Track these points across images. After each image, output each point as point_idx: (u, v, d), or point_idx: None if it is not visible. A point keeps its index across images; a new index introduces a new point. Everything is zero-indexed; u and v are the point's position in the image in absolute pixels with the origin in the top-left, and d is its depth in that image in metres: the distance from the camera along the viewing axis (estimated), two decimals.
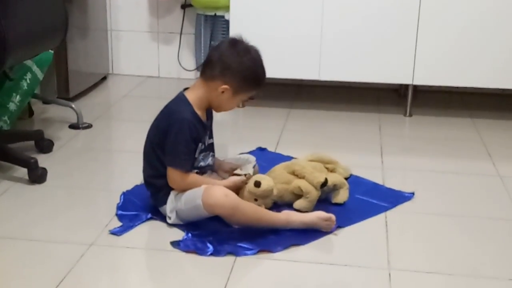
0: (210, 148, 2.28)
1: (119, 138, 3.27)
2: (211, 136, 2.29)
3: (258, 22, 3.41)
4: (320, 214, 2.17)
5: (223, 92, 2.17)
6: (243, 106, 3.57)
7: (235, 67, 2.15)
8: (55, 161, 2.74)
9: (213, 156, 2.31)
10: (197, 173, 2.21)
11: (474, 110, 3.61)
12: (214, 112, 2.30)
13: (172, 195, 2.18)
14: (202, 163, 2.24)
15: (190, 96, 2.20)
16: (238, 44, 2.19)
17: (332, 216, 2.17)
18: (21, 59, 2.71)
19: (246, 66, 2.16)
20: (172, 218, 2.18)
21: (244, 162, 2.38)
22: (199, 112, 2.19)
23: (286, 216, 2.18)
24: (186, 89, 2.25)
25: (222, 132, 2.88)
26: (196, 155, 2.20)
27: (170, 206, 2.18)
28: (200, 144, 2.20)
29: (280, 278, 1.93)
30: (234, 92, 2.18)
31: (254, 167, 2.36)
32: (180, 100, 2.21)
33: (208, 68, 2.19)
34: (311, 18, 3.38)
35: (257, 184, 2.20)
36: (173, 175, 2.15)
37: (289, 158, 2.63)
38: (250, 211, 2.12)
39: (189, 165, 2.16)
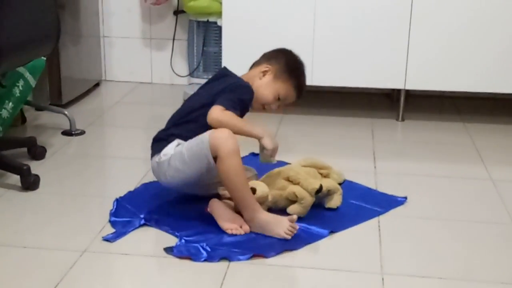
0: None
1: (112, 144, 3.27)
2: None
3: (250, 28, 3.42)
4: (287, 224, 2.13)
5: (264, 74, 2.32)
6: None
7: (280, 56, 2.40)
8: (47, 168, 2.74)
9: None
10: None
11: (466, 114, 3.63)
12: None
13: (175, 142, 2.21)
14: None
15: None
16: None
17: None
18: (14, 66, 2.71)
19: (290, 56, 2.42)
20: (162, 158, 2.19)
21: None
22: None
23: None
24: None
25: None
26: None
27: (167, 150, 2.20)
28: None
29: (274, 283, 1.93)
30: (274, 76, 2.33)
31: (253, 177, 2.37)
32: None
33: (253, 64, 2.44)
34: (303, 23, 3.39)
35: (252, 190, 2.20)
36: (216, 109, 2.19)
37: (282, 164, 2.63)
38: (236, 140, 2.14)
39: (232, 109, 2.20)
